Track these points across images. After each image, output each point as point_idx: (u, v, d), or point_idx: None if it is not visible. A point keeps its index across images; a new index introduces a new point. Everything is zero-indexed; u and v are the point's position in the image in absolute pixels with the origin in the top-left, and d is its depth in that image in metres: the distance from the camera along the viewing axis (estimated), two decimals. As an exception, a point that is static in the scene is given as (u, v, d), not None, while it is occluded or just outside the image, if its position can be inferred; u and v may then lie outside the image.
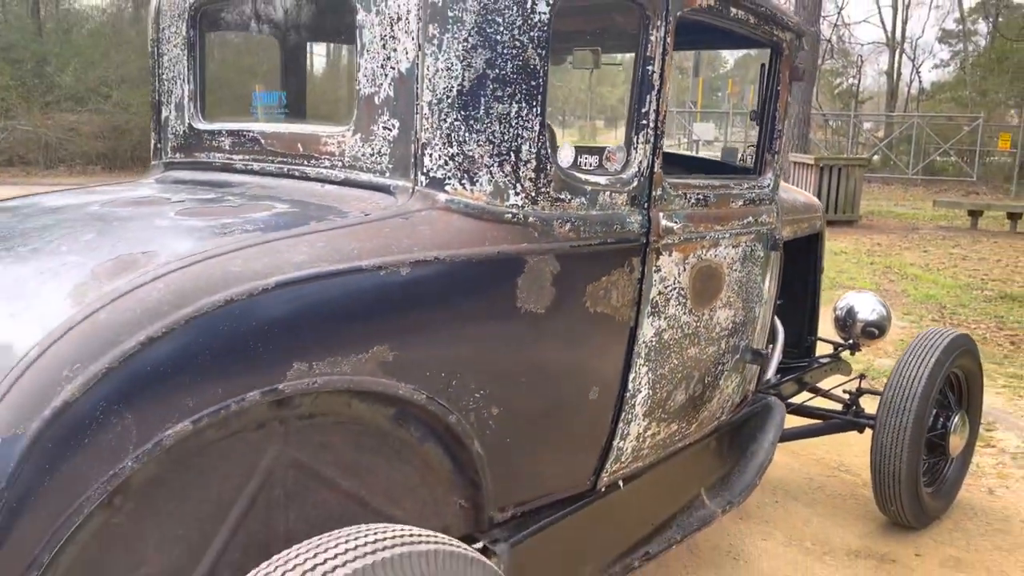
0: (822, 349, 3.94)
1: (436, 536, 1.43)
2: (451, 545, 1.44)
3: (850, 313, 3.75)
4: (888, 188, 23.18)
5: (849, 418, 3.61)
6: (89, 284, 1.37)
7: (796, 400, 3.73)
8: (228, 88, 2.58)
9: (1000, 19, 29.77)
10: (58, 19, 27.63)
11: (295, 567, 1.28)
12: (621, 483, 2.27)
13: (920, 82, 31.88)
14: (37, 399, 1.21)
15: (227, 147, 2.15)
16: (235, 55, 2.77)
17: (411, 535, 1.38)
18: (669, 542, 2.43)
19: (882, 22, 30.13)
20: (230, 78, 2.57)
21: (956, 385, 3.56)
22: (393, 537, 1.35)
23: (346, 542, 1.32)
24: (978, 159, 23.05)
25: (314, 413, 1.55)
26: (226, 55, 2.57)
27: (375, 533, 1.35)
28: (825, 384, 3.84)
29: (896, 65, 29.93)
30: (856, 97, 28.86)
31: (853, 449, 4.17)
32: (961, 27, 31.15)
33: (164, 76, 2.32)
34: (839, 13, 28.39)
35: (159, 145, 2.38)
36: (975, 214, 14.75)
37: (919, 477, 3.29)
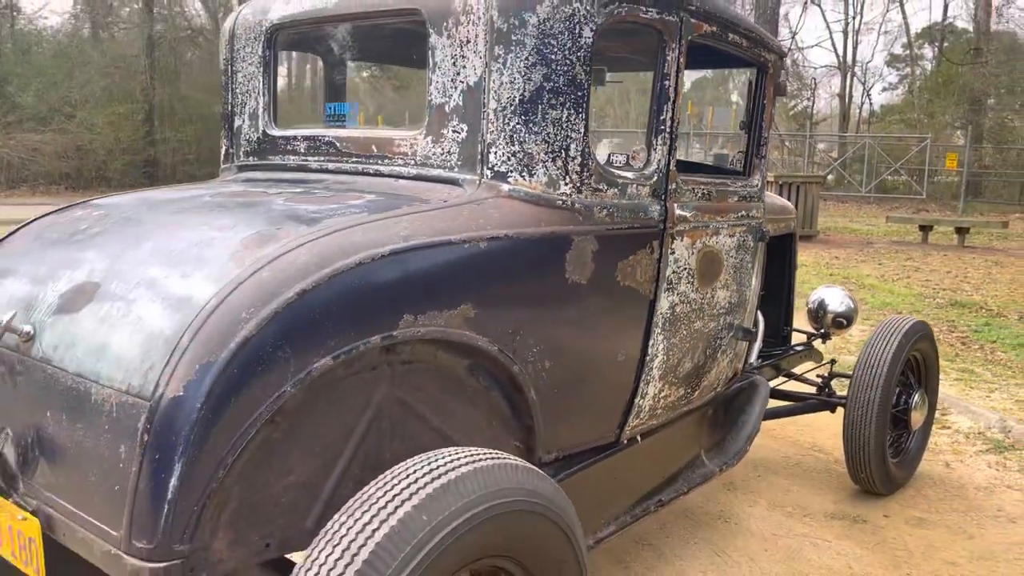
0: (797, 340, 4.37)
1: (513, 456, 1.79)
2: (525, 463, 1.79)
3: (821, 305, 4.18)
4: (843, 206, 24.00)
5: (823, 398, 4.03)
6: (243, 252, 1.71)
7: (775, 385, 4.15)
8: (296, 101, 2.91)
9: (946, 44, 31.07)
10: (14, 40, 27.42)
11: (409, 475, 1.62)
12: (639, 438, 2.65)
13: (871, 104, 33.10)
14: (223, 335, 1.55)
15: (302, 150, 2.50)
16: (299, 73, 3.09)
17: (495, 455, 1.73)
18: (677, 492, 2.81)
19: (833, 46, 31.20)
20: (298, 92, 2.89)
21: (916, 367, 4.00)
22: (474, 458, 1.69)
23: (442, 458, 1.66)
24: (927, 178, 24.02)
25: (411, 360, 1.90)
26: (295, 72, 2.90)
27: (467, 453, 1.69)
28: (799, 370, 4.26)
29: (848, 88, 31.06)
30: (811, 118, 29.85)
31: (825, 432, 4.60)
32: (909, 52, 32.43)
33: (237, 90, 2.66)
34: (793, 37, 29.43)
35: (231, 150, 2.72)
36: (925, 229, 15.47)
37: (885, 448, 3.70)
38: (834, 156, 27.46)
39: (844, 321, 4.16)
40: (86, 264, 1.87)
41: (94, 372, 1.64)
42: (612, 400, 2.45)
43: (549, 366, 2.14)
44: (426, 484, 1.60)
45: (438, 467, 1.65)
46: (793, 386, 4.36)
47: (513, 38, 2.04)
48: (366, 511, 1.54)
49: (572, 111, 2.10)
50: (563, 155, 2.11)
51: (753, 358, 3.52)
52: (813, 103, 31.85)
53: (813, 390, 4.15)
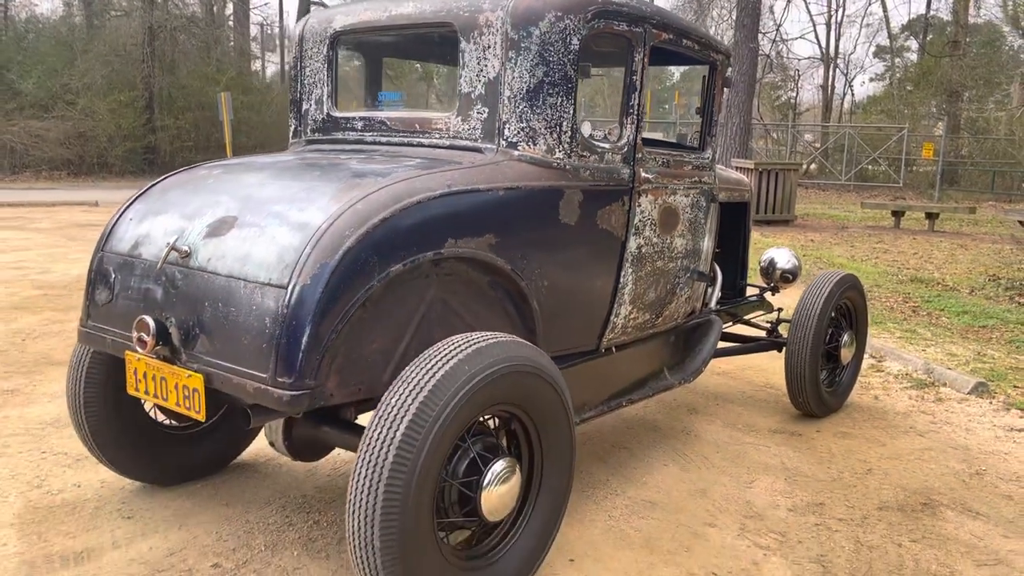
0: (751, 293, 5.20)
1: (522, 340, 2.59)
2: (530, 344, 2.60)
3: (771, 263, 5.01)
4: (823, 193, 24.84)
5: (771, 340, 4.86)
6: (340, 194, 2.51)
7: (732, 329, 4.98)
8: (352, 89, 3.68)
9: (929, 37, 31.93)
10: (15, 29, 27.83)
11: (454, 344, 2.42)
12: (615, 349, 3.47)
13: (852, 95, 34.02)
14: (334, 246, 2.34)
15: (359, 127, 3.29)
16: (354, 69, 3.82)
17: (510, 337, 2.53)
18: (643, 395, 3.63)
19: (817, 39, 32.06)
20: (353, 82, 3.66)
21: (847, 312, 4.82)
22: (494, 337, 2.49)
23: (475, 336, 2.46)
24: (904, 167, 24.93)
25: (451, 273, 2.70)
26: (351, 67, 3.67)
27: (491, 334, 2.50)
28: (753, 319, 5.09)
29: (831, 79, 31.91)
30: (794, 109, 30.73)
31: (777, 376, 5.41)
32: (891, 43, 33.30)
33: (305, 82, 3.45)
34: (777, 29, 30.23)
35: (299, 128, 3.50)
36: (898, 214, 16.31)
37: (819, 377, 4.53)
38: (817, 146, 28.35)
39: (790, 276, 4.99)
40: (222, 204, 2.66)
41: (241, 273, 2.44)
42: (593, 316, 3.27)
43: (547, 284, 2.95)
44: (465, 349, 2.40)
45: (472, 340, 2.46)
46: (748, 331, 5.19)
47: (522, 45, 2.83)
48: (427, 363, 2.34)
49: (564, 98, 2.90)
50: (558, 130, 2.91)
51: (712, 303, 4.36)
52: (797, 94, 32.73)
53: (764, 334, 4.98)
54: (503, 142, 2.90)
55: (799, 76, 32.41)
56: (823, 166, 27.10)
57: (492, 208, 2.72)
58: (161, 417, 3.40)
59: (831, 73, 31.79)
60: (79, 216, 13.89)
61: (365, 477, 2.21)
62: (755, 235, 12.94)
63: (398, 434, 2.21)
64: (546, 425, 2.66)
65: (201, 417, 2.51)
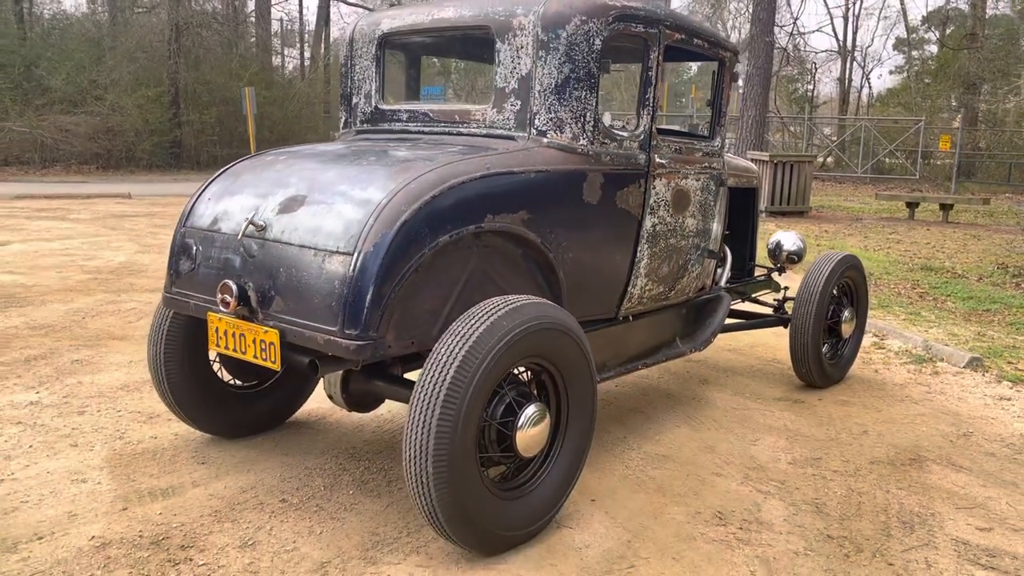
0: (760, 273, 5.57)
1: (551, 302, 3.00)
2: (558, 305, 3.00)
3: (778, 245, 5.38)
4: (840, 186, 25.06)
5: (778, 316, 5.24)
6: (395, 175, 2.91)
7: (740, 307, 5.36)
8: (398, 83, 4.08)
9: (950, 30, 31.97)
10: (44, 25, 28.43)
11: (494, 304, 2.82)
12: (631, 318, 3.87)
13: (870, 88, 34.13)
14: (392, 218, 2.75)
15: (404, 119, 3.70)
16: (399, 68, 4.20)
17: (537, 299, 2.94)
18: (656, 360, 4.03)
19: (834, 31, 32.16)
20: (397, 77, 4.06)
21: (848, 290, 5.19)
22: (526, 299, 2.89)
23: (511, 297, 2.86)
24: (920, 159, 25.10)
25: (489, 245, 3.10)
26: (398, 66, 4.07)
27: (525, 296, 2.90)
28: (762, 297, 5.47)
29: (848, 72, 32.07)
30: (811, 102, 30.90)
31: (783, 352, 5.77)
32: (908, 36, 33.38)
33: (355, 78, 3.85)
34: (794, 22, 30.44)
35: (349, 120, 3.92)
36: (912, 206, 16.56)
37: (821, 349, 4.90)
38: (834, 139, 28.53)
39: (796, 257, 5.36)
40: (291, 185, 3.08)
41: (312, 243, 2.85)
42: (612, 286, 3.67)
43: (571, 257, 3.35)
44: (503, 307, 2.81)
45: (509, 301, 2.86)
46: (757, 308, 5.57)
47: (551, 45, 3.23)
48: (472, 319, 2.75)
49: (588, 92, 3.30)
50: (582, 120, 3.31)
51: (723, 281, 4.74)
52: (814, 87, 32.90)
53: (771, 311, 5.35)
54: (533, 131, 3.29)
55: (816, 69, 32.58)
56: (840, 159, 27.29)
57: (525, 188, 3.11)
58: (227, 377, 3.83)
59: (848, 66, 31.94)
60: (114, 207, 14.42)
61: (420, 413, 2.62)
62: (769, 225, 13.29)
63: (448, 377, 2.62)
64: (571, 377, 3.06)
65: (276, 367, 2.93)
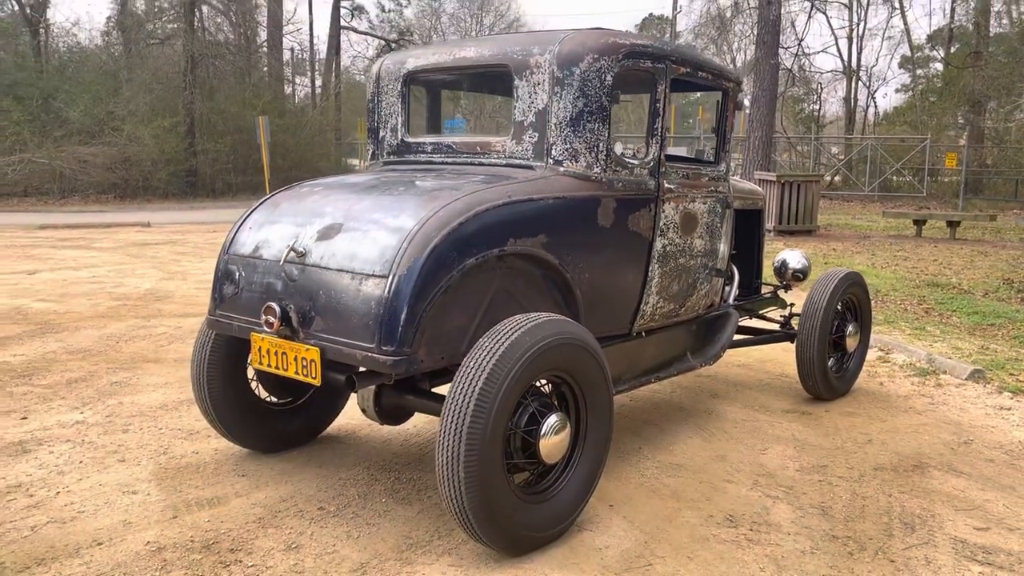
0: (766, 291, 5.79)
1: (570, 320, 3.23)
2: (575, 322, 3.24)
3: (784, 264, 5.61)
4: (848, 204, 25.23)
5: (784, 331, 5.45)
6: (425, 203, 3.16)
7: (748, 323, 5.58)
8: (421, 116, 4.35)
9: (955, 48, 32.21)
10: (60, 58, 29.01)
11: (518, 321, 3.06)
12: (644, 333, 4.10)
13: (875, 107, 34.44)
14: (424, 244, 3.00)
15: (429, 151, 3.96)
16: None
17: (556, 317, 3.17)
18: (668, 374, 4.25)
19: (839, 52, 32.48)
20: (420, 111, 4.32)
21: (852, 306, 5.41)
22: (547, 317, 3.13)
23: (534, 315, 3.10)
24: (927, 177, 25.30)
25: (511, 267, 3.34)
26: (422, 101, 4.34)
27: (547, 314, 3.14)
28: (769, 313, 5.68)
29: (853, 92, 32.36)
30: (817, 121, 31.19)
31: (791, 367, 5.97)
32: (912, 55, 33.68)
33: (382, 113, 4.12)
34: (799, 44, 30.76)
35: (377, 152, 4.18)
36: (919, 223, 16.73)
37: (826, 362, 5.11)
38: (841, 158, 28.76)
39: (801, 275, 5.58)
40: (328, 215, 3.34)
41: (350, 267, 3.10)
42: (626, 304, 3.90)
43: (587, 277, 3.59)
44: (526, 324, 3.04)
45: (531, 318, 3.10)
46: (765, 324, 5.78)
47: (565, 82, 3.49)
48: (497, 335, 2.98)
49: (600, 124, 3.56)
50: (595, 150, 3.56)
51: (731, 299, 4.97)
52: (820, 107, 33.18)
53: (778, 327, 5.57)
54: (551, 160, 3.55)
55: (821, 89, 32.92)
56: (847, 178, 27.51)
57: (543, 214, 3.36)
58: (264, 394, 4.07)
59: (853, 86, 32.24)
60: (135, 236, 14.76)
61: (451, 422, 2.85)
62: (778, 244, 13.49)
63: (477, 388, 2.86)
64: (589, 388, 3.29)
65: (317, 382, 3.16)
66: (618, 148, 3.86)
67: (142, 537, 3.25)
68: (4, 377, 5.44)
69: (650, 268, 3.93)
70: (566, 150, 3.53)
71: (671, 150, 4.66)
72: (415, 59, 4.00)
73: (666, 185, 3.92)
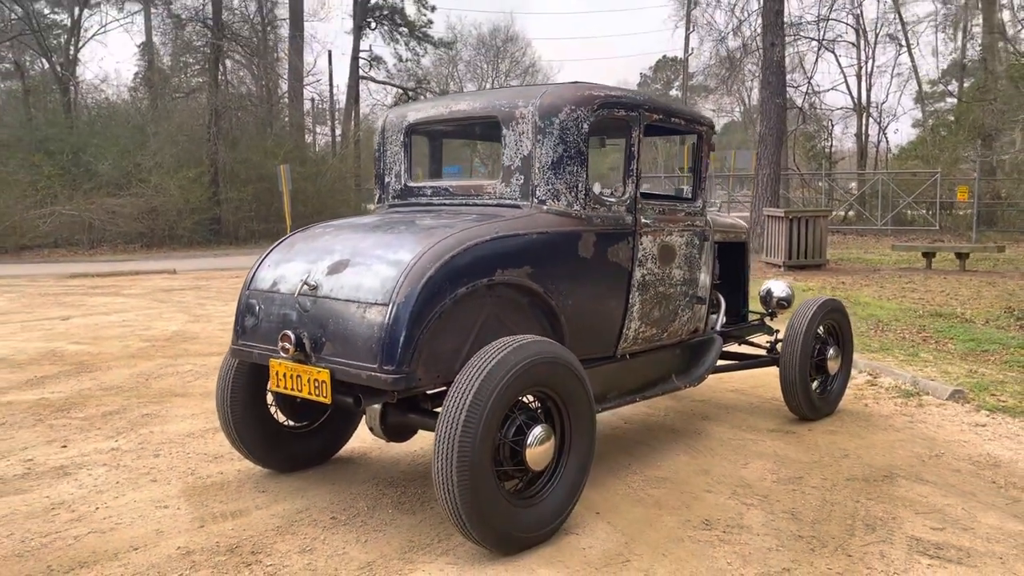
0: (753, 319, 6.13)
1: (550, 340, 3.61)
2: (559, 344, 3.62)
3: (769, 292, 5.96)
4: (861, 239, 25.44)
5: (770, 356, 5.79)
6: (421, 241, 3.57)
7: (736, 349, 5.93)
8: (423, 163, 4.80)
9: (968, 83, 32.55)
10: (89, 114, 30.05)
11: (504, 343, 3.44)
12: (628, 356, 4.47)
13: (887, 143, 34.76)
14: (420, 275, 3.40)
15: (429, 194, 4.40)
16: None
17: (540, 338, 3.56)
18: (653, 394, 4.61)
19: (848, 90, 32.93)
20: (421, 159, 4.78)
21: (833, 330, 5.74)
22: (531, 338, 3.51)
23: (520, 337, 3.48)
24: (939, 210, 25.51)
25: (500, 295, 3.74)
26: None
27: (525, 337, 3.52)
28: (755, 339, 6.03)
29: (864, 128, 32.75)
30: (829, 158, 31.52)
31: (779, 391, 6.30)
32: (920, 92, 34.11)
33: (387, 161, 4.57)
34: (809, 82, 31.30)
35: (382, 196, 4.62)
36: (928, 255, 16.91)
37: (808, 383, 5.43)
38: (854, 193, 29.05)
39: (785, 303, 5.93)
40: (337, 252, 3.76)
41: (355, 297, 3.51)
42: (609, 329, 4.28)
43: (571, 303, 3.98)
44: (511, 345, 3.43)
45: (516, 340, 3.48)
46: (752, 350, 6.12)
47: (547, 131, 3.92)
48: (485, 355, 3.37)
49: (579, 167, 3.98)
50: (575, 190, 3.98)
51: (718, 326, 5.33)
52: (831, 144, 33.55)
53: (765, 352, 5.91)
54: (535, 200, 3.96)
55: (832, 126, 33.32)
56: (860, 213, 27.77)
57: (528, 247, 3.77)
58: (282, 418, 4.47)
59: (864, 122, 32.65)
60: (161, 283, 15.33)
61: (445, 430, 3.23)
62: (788, 278, 13.75)
63: (467, 402, 3.24)
64: (572, 403, 3.66)
65: (328, 401, 3.56)
66: (596, 188, 4.27)
67: (173, 543, 3.63)
68: (44, 411, 5.88)
69: (631, 296, 4.31)
70: (549, 190, 3.94)
71: (657, 189, 5.06)
72: (415, 112, 4.46)
73: (643, 220, 4.32)
